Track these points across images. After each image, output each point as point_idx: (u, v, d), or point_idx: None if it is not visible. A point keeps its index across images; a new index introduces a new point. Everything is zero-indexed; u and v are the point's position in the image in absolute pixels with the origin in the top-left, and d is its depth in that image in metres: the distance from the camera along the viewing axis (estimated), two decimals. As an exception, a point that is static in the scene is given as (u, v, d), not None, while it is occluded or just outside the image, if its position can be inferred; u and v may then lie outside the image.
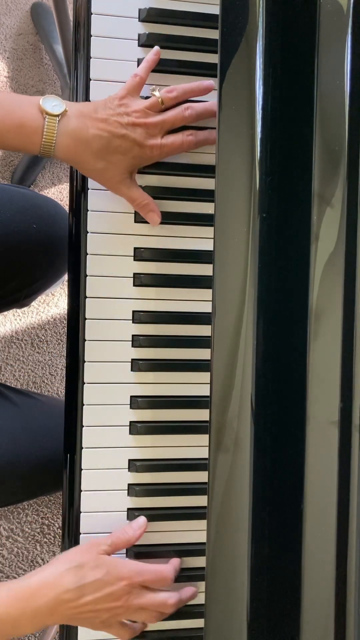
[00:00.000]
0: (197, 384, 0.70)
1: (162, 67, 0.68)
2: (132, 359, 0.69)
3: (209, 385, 0.53)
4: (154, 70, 0.68)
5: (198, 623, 0.68)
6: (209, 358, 0.53)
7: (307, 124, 0.51)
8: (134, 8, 0.68)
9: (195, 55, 0.69)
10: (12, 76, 1.44)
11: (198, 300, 0.70)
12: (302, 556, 0.50)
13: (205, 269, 0.69)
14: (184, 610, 0.68)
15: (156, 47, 0.66)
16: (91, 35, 0.67)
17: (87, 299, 0.68)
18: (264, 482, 0.50)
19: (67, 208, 0.73)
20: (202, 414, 0.69)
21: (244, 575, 0.50)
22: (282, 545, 0.50)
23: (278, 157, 0.51)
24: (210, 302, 0.54)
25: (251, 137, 0.52)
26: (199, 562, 0.69)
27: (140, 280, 0.69)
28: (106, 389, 0.68)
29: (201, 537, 0.69)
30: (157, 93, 0.65)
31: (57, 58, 1.41)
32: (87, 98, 0.67)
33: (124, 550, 0.68)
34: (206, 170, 0.69)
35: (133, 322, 0.69)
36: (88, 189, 0.68)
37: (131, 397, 0.69)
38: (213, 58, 0.66)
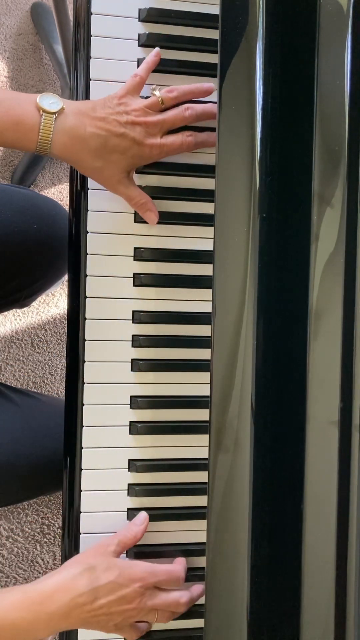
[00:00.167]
0: (197, 384, 0.70)
1: (162, 67, 0.68)
2: (132, 359, 0.69)
3: (209, 385, 0.53)
4: (154, 70, 0.68)
5: (198, 623, 0.68)
6: (209, 358, 0.53)
7: (307, 124, 0.51)
8: (134, 8, 0.68)
9: (195, 55, 0.69)
10: (12, 76, 1.44)
11: (198, 300, 0.70)
12: (302, 556, 0.50)
13: (205, 269, 0.69)
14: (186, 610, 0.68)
15: (157, 49, 0.66)
16: (91, 35, 0.67)
17: (87, 299, 0.68)
18: (264, 482, 0.50)
19: (67, 208, 0.73)
20: (202, 414, 0.69)
21: (244, 575, 0.50)
22: (282, 545, 0.50)
23: (278, 157, 0.51)
24: (210, 302, 0.54)
25: (251, 137, 0.52)
26: (199, 562, 0.69)
27: (140, 280, 0.69)
28: (106, 389, 0.68)
29: (201, 537, 0.69)
30: (157, 93, 0.65)
31: (57, 58, 1.41)
32: (87, 98, 0.67)
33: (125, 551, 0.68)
34: (206, 170, 0.69)
35: (133, 322, 0.69)
36: (88, 188, 0.68)
37: (131, 397, 0.69)
38: (213, 58, 0.66)
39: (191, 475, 0.69)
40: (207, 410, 0.53)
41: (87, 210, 0.68)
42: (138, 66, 0.68)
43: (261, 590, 0.50)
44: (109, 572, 0.62)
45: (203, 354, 0.69)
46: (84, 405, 0.68)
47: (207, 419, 0.53)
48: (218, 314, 0.53)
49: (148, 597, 0.63)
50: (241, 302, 0.52)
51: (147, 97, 0.66)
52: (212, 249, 0.55)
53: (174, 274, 0.69)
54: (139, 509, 0.68)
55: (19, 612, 0.59)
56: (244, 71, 0.52)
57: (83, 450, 0.68)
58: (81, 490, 0.68)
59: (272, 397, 0.51)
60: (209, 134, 0.67)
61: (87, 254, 0.68)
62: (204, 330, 0.69)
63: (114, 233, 0.68)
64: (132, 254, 0.69)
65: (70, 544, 0.68)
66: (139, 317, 0.69)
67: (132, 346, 0.69)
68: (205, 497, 0.54)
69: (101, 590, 0.61)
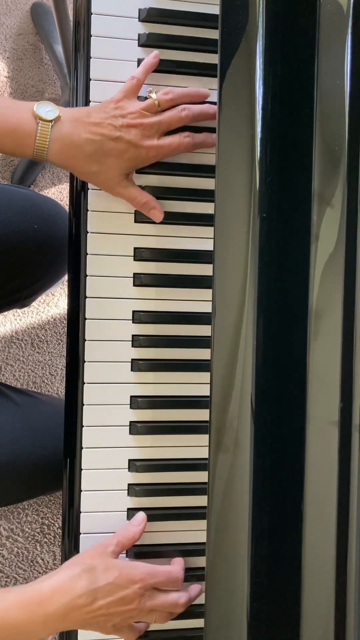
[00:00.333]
0: (197, 384, 0.70)
1: (162, 67, 0.68)
2: (132, 359, 0.69)
3: (209, 385, 0.53)
4: (154, 70, 0.68)
5: (198, 623, 0.68)
6: (209, 358, 0.53)
7: (307, 124, 0.51)
8: (134, 8, 0.68)
9: (195, 55, 0.69)
10: (12, 76, 1.44)
11: (198, 300, 0.70)
12: (302, 556, 0.50)
13: (205, 269, 0.69)
14: (184, 610, 0.68)
15: (155, 51, 0.66)
16: (91, 35, 0.67)
17: (87, 299, 0.68)
18: (264, 482, 0.50)
19: (67, 208, 0.73)
20: (202, 414, 0.69)
21: (244, 575, 0.50)
22: (282, 545, 0.50)
23: (278, 157, 0.51)
24: (210, 302, 0.54)
25: (251, 137, 0.52)
26: (199, 562, 0.69)
27: (140, 280, 0.69)
28: (106, 389, 0.68)
29: (201, 537, 0.69)
30: (153, 95, 0.65)
31: (57, 58, 1.41)
32: (87, 98, 0.67)
33: (124, 551, 0.68)
34: (206, 170, 0.69)
35: (133, 322, 0.69)
36: (88, 189, 0.68)
37: (131, 397, 0.69)
38: (213, 58, 0.66)
39: (191, 475, 0.69)
40: (207, 410, 0.53)
41: (87, 210, 0.68)
42: (138, 66, 0.68)
43: (261, 590, 0.50)
44: (108, 573, 0.62)
45: (203, 354, 0.69)
46: (84, 405, 0.68)
47: (207, 419, 0.53)
48: (218, 314, 0.53)
49: (147, 598, 0.63)
50: (241, 302, 0.52)
51: (145, 99, 0.66)
52: (212, 249, 0.55)
53: (174, 274, 0.69)
54: (138, 509, 0.68)
55: (17, 613, 0.59)
56: (244, 71, 0.52)
57: (83, 450, 0.68)
58: (81, 490, 0.68)
59: (272, 397, 0.51)
60: (207, 135, 0.67)
61: (87, 254, 0.68)
62: (204, 330, 0.69)
63: (114, 233, 0.68)
64: (132, 254, 0.69)
65: (70, 544, 0.68)
66: (139, 317, 0.69)
67: (132, 346, 0.69)
68: (205, 497, 0.54)
69: (100, 592, 0.61)
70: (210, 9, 0.68)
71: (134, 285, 0.69)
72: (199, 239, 0.70)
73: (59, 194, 1.44)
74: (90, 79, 0.67)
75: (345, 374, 0.50)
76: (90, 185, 0.68)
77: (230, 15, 0.53)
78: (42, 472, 0.79)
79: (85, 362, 0.68)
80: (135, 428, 0.68)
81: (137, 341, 0.68)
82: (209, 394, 0.53)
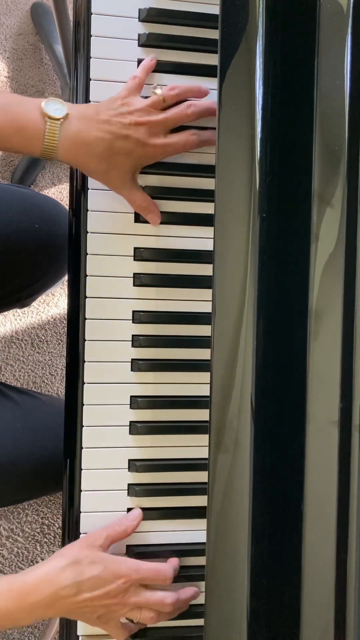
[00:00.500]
0: (197, 384, 0.70)
1: (162, 67, 0.68)
2: (132, 359, 0.69)
3: (209, 385, 0.53)
4: (154, 70, 0.68)
5: (198, 622, 0.68)
6: (209, 358, 0.53)
7: (307, 124, 0.51)
8: (134, 8, 0.68)
9: (195, 55, 0.69)
10: (12, 76, 1.44)
11: (198, 300, 0.70)
12: (302, 556, 0.50)
13: (205, 269, 0.69)
14: (184, 610, 0.68)
15: (152, 54, 0.67)
16: (91, 35, 0.67)
17: (87, 299, 0.68)
18: (264, 482, 0.50)
19: (67, 208, 0.73)
20: (202, 414, 0.69)
21: (244, 575, 0.50)
22: (282, 545, 0.50)
23: (278, 157, 0.51)
24: (210, 302, 0.54)
25: (251, 137, 0.52)
26: (199, 562, 0.69)
27: (140, 280, 0.69)
28: (106, 389, 0.68)
29: (201, 537, 0.69)
30: (158, 91, 0.65)
31: (57, 58, 1.41)
32: (87, 98, 0.67)
33: (125, 550, 0.68)
34: (206, 170, 0.69)
35: (133, 322, 0.69)
36: (88, 188, 0.68)
37: (131, 397, 0.69)
38: (213, 58, 0.66)
39: (191, 475, 0.69)
40: (207, 410, 0.53)
41: (87, 210, 0.68)
42: (138, 66, 0.68)
43: (261, 590, 0.50)
44: (93, 566, 0.62)
45: (203, 354, 0.69)
46: (84, 405, 0.68)
47: (207, 419, 0.53)
48: (218, 314, 0.53)
49: (132, 594, 0.63)
50: (241, 302, 0.52)
51: (147, 97, 0.66)
52: (212, 249, 0.55)
53: (174, 274, 0.69)
54: (139, 509, 0.68)
55: (3, 602, 0.60)
56: (244, 71, 0.52)
57: (83, 450, 0.68)
58: (81, 490, 0.68)
59: (272, 397, 0.51)
60: (213, 132, 0.67)
61: (87, 254, 0.68)
62: (204, 330, 0.69)
63: (114, 233, 0.68)
64: (132, 254, 0.69)
65: (70, 544, 0.68)
66: (139, 317, 0.69)
67: (132, 346, 0.69)
68: (205, 497, 0.54)
69: (85, 584, 0.61)
70: (210, 9, 0.68)
71: (134, 285, 0.69)
72: (199, 239, 0.70)
73: (59, 194, 1.44)
74: (90, 79, 0.67)
75: (345, 374, 0.50)
76: (90, 185, 0.68)
77: (230, 15, 0.53)
78: (42, 472, 0.79)
79: (85, 362, 0.68)
80: (135, 428, 0.68)
81: (137, 341, 0.68)
82: (209, 394, 0.53)
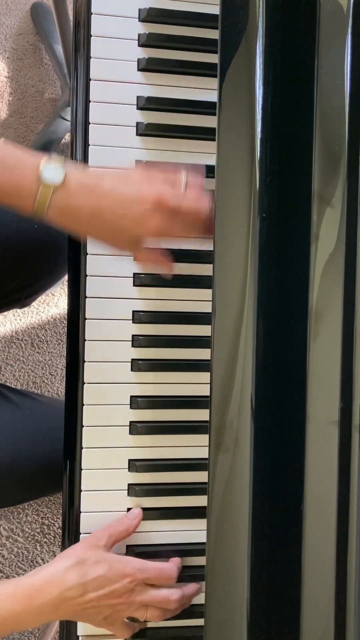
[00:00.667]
0: (197, 384, 0.70)
1: (162, 67, 0.68)
2: (132, 359, 0.69)
3: (209, 385, 0.53)
4: (154, 70, 0.68)
5: (198, 622, 0.68)
6: (209, 358, 0.53)
7: (307, 124, 0.51)
8: (134, 8, 0.68)
9: (195, 55, 0.69)
10: (12, 76, 1.44)
11: (198, 300, 0.70)
12: (302, 556, 0.50)
13: (205, 269, 0.69)
14: (184, 610, 0.68)
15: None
16: (91, 35, 0.67)
17: (87, 299, 0.68)
18: (264, 482, 0.50)
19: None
20: (202, 414, 0.69)
21: (244, 575, 0.50)
22: (282, 544, 0.50)
23: (278, 157, 0.51)
24: (210, 302, 0.54)
25: (251, 137, 0.52)
26: (199, 561, 0.69)
27: (140, 280, 0.69)
28: (106, 389, 0.68)
29: (201, 537, 0.69)
30: (183, 179, 0.61)
31: (57, 58, 1.41)
32: (87, 98, 0.67)
33: (125, 551, 0.68)
34: (206, 170, 0.69)
35: (133, 322, 0.69)
36: (88, 189, 0.68)
37: (131, 397, 0.69)
38: (213, 58, 0.66)
39: (191, 475, 0.69)
40: (207, 410, 0.53)
41: (87, 210, 0.68)
42: (138, 66, 0.68)
43: (261, 590, 0.50)
44: (98, 566, 0.62)
45: (203, 354, 0.69)
46: (84, 405, 0.68)
47: (207, 419, 0.53)
48: (218, 314, 0.53)
49: (137, 592, 0.63)
50: (241, 302, 0.52)
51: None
52: (212, 248, 0.55)
53: (174, 274, 0.69)
54: (139, 509, 0.68)
55: (9, 605, 0.60)
56: (244, 71, 0.53)
57: (83, 450, 0.68)
58: (81, 490, 0.68)
59: (272, 397, 0.51)
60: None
61: (87, 254, 0.68)
62: (204, 330, 0.69)
63: (114, 233, 0.68)
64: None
65: (70, 544, 0.68)
66: (139, 317, 0.69)
67: (132, 346, 0.69)
68: (205, 497, 0.54)
69: (90, 585, 0.61)
70: (210, 9, 0.68)
71: (134, 285, 0.69)
72: (199, 238, 0.70)
73: (59, 194, 1.44)
74: (90, 79, 0.67)
75: (345, 374, 0.50)
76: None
77: (230, 15, 0.53)
78: (41, 473, 0.79)
79: (85, 362, 0.68)
80: (135, 428, 0.68)
81: (137, 341, 0.68)
82: (209, 394, 0.53)
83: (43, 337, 1.36)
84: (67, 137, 1.42)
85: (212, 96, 0.67)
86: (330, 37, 0.51)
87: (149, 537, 0.69)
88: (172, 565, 0.66)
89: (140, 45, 0.68)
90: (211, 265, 0.54)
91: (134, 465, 0.68)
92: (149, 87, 0.68)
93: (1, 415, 0.79)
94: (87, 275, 0.68)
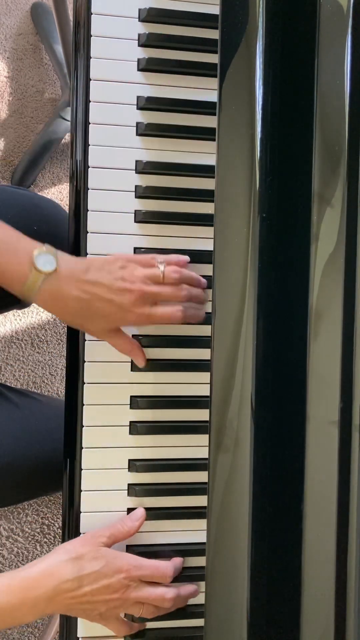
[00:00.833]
0: (197, 384, 0.70)
1: (162, 67, 0.68)
2: (132, 359, 0.69)
3: (209, 385, 0.53)
4: (154, 70, 0.68)
5: (198, 622, 0.68)
6: (209, 358, 0.53)
7: (307, 124, 0.51)
8: (134, 8, 0.68)
9: (195, 55, 0.69)
10: (12, 76, 1.44)
11: (198, 300, 0.70)
12: (302, 556, 0.50)
13: (205, 270, 0.69)
14: (184, 610, 0.68)
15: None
16: (91, 35, 0.67)
17: (87, 299, 0.68)
18: (264, 482, 0.50)
19: (67, 208, 0.73)
20: (202, 414, 0.69)
21: (244, 575, 0.50)
22: (282, 545, 0.50)
23: (278, 157, 0.51)
24: (211, 302, 0.54)
25: (251, 137, 0.52)
26: (199, 562, 0.69)
27: (140, 280, 0.68)
28: (106, 389, 0.68)
29: (201, 537, 0.69)
30: (161, 267, 0.65)
31: (57, 58, 1.41)
32: (87, 98, 0.67)
33: (125, 550, 0.68)
34: (206, 170, 0.69)
35: (133, 322, 0.69)
36: (88, 189, 0.68)
37: (131, 397, 0.69)
38: (213, 58, 0.66)
39: (191, 475, 0.69)
40: (207, 410, 0.53)
41: (87, 210, 0.68)
42: (138, 66, 0.68)
43: (261, 590, 0.50)
44: (95, 561, 0.63)
45: (203, 354, 0.69)
46: (84, 405, 0.68)
47: (207, 419, 0.53)
48: (218, 314, 0.53)
49: (132, 589, 0.64)
50: (241, 302, 0.52)
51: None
52: (212, 249, 0.55)
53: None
54: (139, 509, 0.68)
55: (5, 597, 0.60)
56: (244, 71, 0.53)
57: (83, 450, 0.68)
58: (81, 490, 0.68)
59: (272, 397, 0.51)
60: (197, 311, 0.67)
61: (87, 254, 0.68)
62: (204, 330, 0.69)
63: (113, 233, 0.68)
64: (133, 254, 0.69)
65: (70, 544, 0.68)
66: (139, 317, 0.68)
67: (132, 346, 0.69)
68: (205, 497, 0.54)
69: (86, 579, 0.62)
70: (210, 9, 0.68)
71: (134, 285, 0.69)
72: (199, 239, 0.70)
73: (59, 194, 1.44)
74: (90, 79, 0.67)
75: (345, 374, 0.50)
76: (90, 185, 0.68)
77: (230, 15, 0.53)
78: (41, 473, 0.79)
79: (85, 362, 0.68)
80: (135, 428, 0.68)
81: (137, 341, 0.68)
82: (209, 394, 0.53)
83: (43, 337, 1.36)
84: (67, 137, 1.42)
85: (212, 96, 0.67)
86: (330, 37, 0.51)
87: (148, 537, 0.69)
88: (168, 564, 0.66)
89: (140, 45, 0.68)
90: (211, 266, 0.54)
91: (134, 465, 0.68)
92: (149, 87, 0.68)
93: (1, 415, 0.79)
94: (87, 275, 0.68)
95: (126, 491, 0.69)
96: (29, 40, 1.46)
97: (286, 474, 0.50)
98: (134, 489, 0.68)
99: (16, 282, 0.61)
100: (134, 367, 0.69)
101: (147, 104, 0.68)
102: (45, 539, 1.28)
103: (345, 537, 0.49)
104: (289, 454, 0.51)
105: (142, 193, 0.68)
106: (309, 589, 0.50)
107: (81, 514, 0.68)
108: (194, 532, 0.70)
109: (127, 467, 0.69)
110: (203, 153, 0.70)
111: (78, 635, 0.68)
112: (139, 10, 0.68)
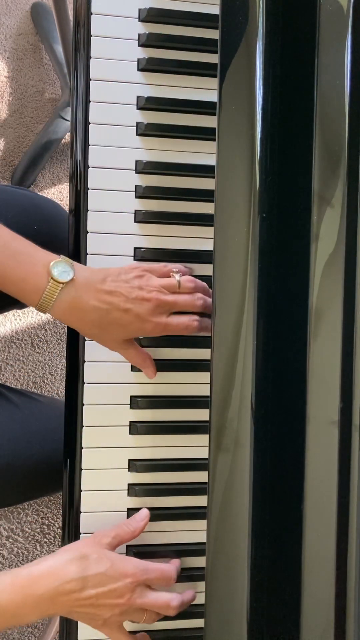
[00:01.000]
0: (197, 384, 0.70)
1: (162, 67, 0.68)
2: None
3: (209, 385, 0.53)
4: (154, 70, 0.68)
5: (198, 623, 0.68)
6: (209, 358, 0.53)
7: (307, 124, 0.52)
8: (134, 8, 0.68)
9: (195, 55, 0.69)
10: (12, 76, 1.44)
11: (198, 300, 0.70)
12: (302, 556, 0.50)
13: (205, 270, 0.69)
14: (184, 610, 0.68)
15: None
16: (91, 35, 0.67)
17: (87, 299, 0.68)
18: (264, 482, 0.50)
19: (67, 208, 0.73)
20: (202, 414, 0.69)
21: (244, 575, 0.50)
22: (282, 545, 0.50)
23: (278, 157, 0.51)
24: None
25: (251, 137, 0.52)
26: (199, 562, 0.69)
27: (140, 280, 0.68)
28: (106, 389, 0.68)
29: (201, 537, 0.69)
30: (177, 277, 0.65)
31: (57, 58, 1.41)
32: (87, 98, 0.67)
33: (125, 549, 0.68)
34: (206, 170, 0.69)
35: (133, 322, 0.69)
36: (88, 189, 0.68)
37: (131, 397, 0.69)
38: (213, 58, 0.66)
39: (191, 475, 0.69)
40: (207, 410, 0.53)
41: (87, 210, 0.68)
42: (138, 66, 0.68)
43: (261, 590, 0.50)
44: (100, 563, 0.62)
45: (203, 354, 0.69)
46: (84, 405, 0.68)
47: (207, 419, 0.53)
48: (218, 314, 0.53)
49: (138, 594, 0.62)
50: (241, 302, 0.52)
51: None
52: (212, 249, 0.55)
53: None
54: (139, 509, 0.68)
55: (8, 595, 0.59)
56: (244, 71, 0.53)
57: (83, 450, 0.68)
58: (81, 490, 0.68)
59: (272, 397, 0.51)
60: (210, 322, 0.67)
61: (87, 254, 0.68)
62: (204, 330, 0.69)
63: (114, 233, 0.68)
64: (132, 254, 0.69)
65: (70, 544, 0.68)
66: (139, 317, 0.68)
67: (132, 346, 0.69)
68: (205, 497, 0.54)
69: (90, 580, 0.61)
70: (210, 9, 0.68)
71: (134, 285, 0.69)
72: (199, 239, 0.70)
73: (59, 194, 1.44)
74: (90, 79, 0.67)
75: (345, 374, 0.50)
76: (90, 185, 0.68)
77: (230, 15, 0.53)
78: (40, 474, 0.79)
79: (85, 362, 0.68)
80: (135, 428, 0.68)
81: (137, 341, 0.68)
82: (209, 394, 0.53)
83: (43, 337, 1.36)
84: (67, 137, 1.42)
85: (212, 96, 0.67)
86: (330, 37, 0.51)
87: (148, 537, 0.69)
88: (172, 567, 0.66)
89: (140, 45, 0.68)
90: (211, 266, 0.54)
91: (134, 465, 0.68)
92: (149, 87, 0.68)
93: (1, 416, 0.79)
94: (87, 275, 0.68)
95: (126, 491, 0.69)
96: (29, 40, 1.46)
97: (286, 474, 0.50)
98: (134, 489, 0.68)
99: (33, 294, 0.61)
100: (134, 367, 0.69)
101: (147, 104, 0.68)
102: (45, 539, 1.28)
103: (345, 537, 0.49)
104: (289, 454, 0.51)
105: (142, 193, 0.68)
106: (309, 589, 0.50)
107: (81, 514, 0.68)
108: (194, 532, 0.70)
109: (127, 467, 0.69)
110: (203, 153, 0.70)
111: (79, 638, 0.68)
112: (139, 10, 0.68)
